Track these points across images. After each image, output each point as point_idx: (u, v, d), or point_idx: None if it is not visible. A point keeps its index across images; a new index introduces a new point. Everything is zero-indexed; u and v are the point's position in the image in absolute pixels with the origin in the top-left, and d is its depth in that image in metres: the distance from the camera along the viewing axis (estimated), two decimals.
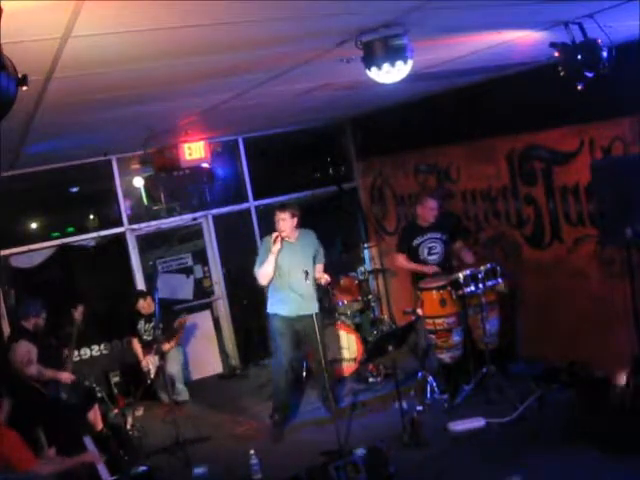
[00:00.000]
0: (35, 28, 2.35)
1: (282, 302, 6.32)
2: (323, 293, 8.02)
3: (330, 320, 7.69)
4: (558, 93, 4.88)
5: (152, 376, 7.34)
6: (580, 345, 6.22)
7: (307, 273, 5.83)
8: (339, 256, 9.24)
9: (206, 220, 8.83)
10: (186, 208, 8.72)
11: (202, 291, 8.90)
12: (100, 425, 6.46)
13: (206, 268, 8.93)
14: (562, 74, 3.96)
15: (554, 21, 3.86)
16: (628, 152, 5.43)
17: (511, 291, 6.79)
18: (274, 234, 6.11)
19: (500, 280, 6.31)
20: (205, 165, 7.98)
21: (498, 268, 6.29)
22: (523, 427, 5.58)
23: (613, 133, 5.56)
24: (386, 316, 9.07)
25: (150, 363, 7.39)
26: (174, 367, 7.60)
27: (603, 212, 5.30)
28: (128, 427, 6.72)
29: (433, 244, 6.91)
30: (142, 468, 5.71)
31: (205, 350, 8.67)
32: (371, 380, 7.32)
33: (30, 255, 8.03)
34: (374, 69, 3.34)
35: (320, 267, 6.42)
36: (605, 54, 3.87)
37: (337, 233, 9.36)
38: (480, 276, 6.20)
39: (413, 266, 6.93)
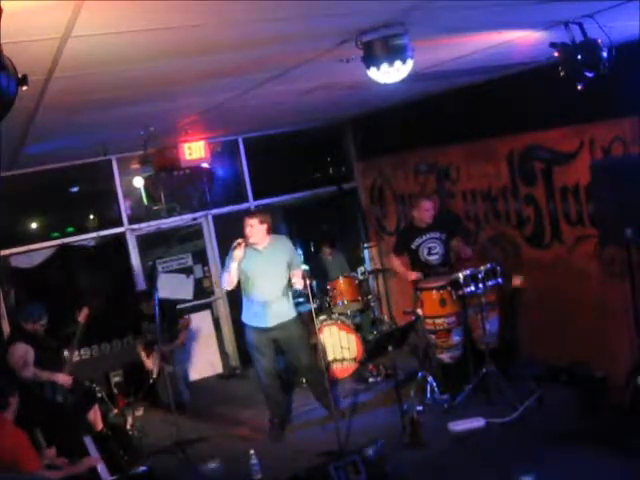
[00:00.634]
0: (35, 28, 2.35)
1: (253, 313, 6.18)
2: (322, 293, 8.06)
3: (329, 320, 7.70)
4: (558, 93, 4.88)
5: (154, 376, 7.33)
6: (580, 345, 6.21)
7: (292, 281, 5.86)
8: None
9: (206, 220, 8.82)
10: (186, 208, 8.72)
11: (202, 291, 8.90)
12: (100, 425, 6.46)
13: (206, 268, 8.93)
14: (562, 74, 3.96)
15: (554, 21, 3.86)
16: (628, 152, 5.43)
17: (511, 291, 6.80)
18: (237, 240, 5.93)
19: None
20: (205, 165, 7.98)
21: (498, 268, 6.30)
22: (523, 427, 5.58)
23: (613, 133, 5.55)
24: (386, 316, 9.07)
25: (153, 364, 7.38)
26: (177, 367, 7.59)
27: (603, 212, 5.30)
28: (128, 427, 6.72)
29: (433, 244, 6.92)
30: (142, 468, 5.69)
31: (205, 350, 8.67)
32: (371, 380, 7.32)
33: (30, 255, 8.03)
34: (374, 69, 3.34)
35: (298, 272, 6.12)
36: (605, 54, 3.87)
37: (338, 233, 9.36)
38: (480, 276, 6.19)
39: (402, 270, 7.02)
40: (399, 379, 6.11)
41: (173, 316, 7.66)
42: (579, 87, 4.00)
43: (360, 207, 9.54)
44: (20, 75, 2.03)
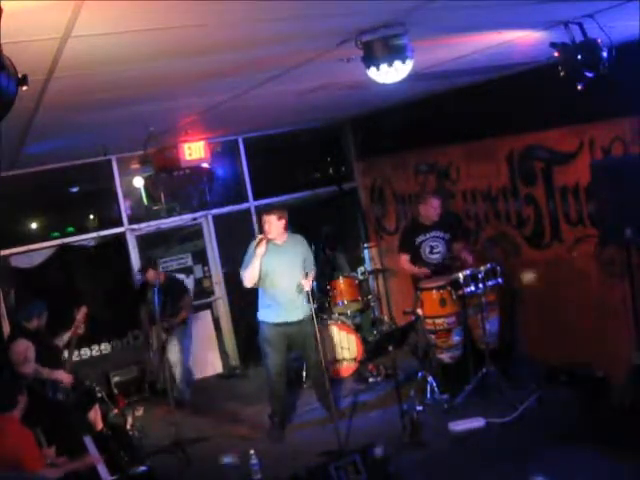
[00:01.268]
0: (35, 28, 2.35)
1: (270, 308, 6.23)
2: (322, 293, 8.06)
3: (329, 320, 7.69)
4: (558, 93, 4.88)
5: (154, 349, 7.29)
6: (580, 345, 6.21)
7: (299, 281, 5.89)
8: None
9: (206, 220, 8.82)
10: (186, 208, 8.72)
11: (202, 291, 8.90)
12: (100, 425, 6.46)
13: (206, 268, 8.93)
14: (562, 74, 3.96)
15: (554, 21, 3.86)
16: (628, 152, 5.43)
17: (511, 291, 6.80)
18: (258, 236, 6.09)
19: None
20: (205, 165, 7.97)
21: (498, 268, 6.30)
22: (523, 427, 5.58)
23: (613, 133, 5.55)
24: (386, 316, 9.08)
25: (155, 337, 7.38)
26: (174, 355, 7.55)
27: (603, 212, 5.30)
28: (128, 427, 6.72)
29: (435, 243, 6.92)
30: (142, 468, 5.71)
31: (205, 350, 8.66)
32: (371, 380, 7.33)
33: (30, 255, 8.04)
34: (374, 69, 3.34)
35: (311, 274, 6.17)
36: (605, 54, 3.87)
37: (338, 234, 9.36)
38: (480, 276, 6.20)
39: (415, 270, 6.94)
40: (399, 379, 6.11)
41: (178, 290, 7.71)
42: (579, 87, 4.00)
43: (360, 207, 9.54)
44: (20, 75, 2.03)
